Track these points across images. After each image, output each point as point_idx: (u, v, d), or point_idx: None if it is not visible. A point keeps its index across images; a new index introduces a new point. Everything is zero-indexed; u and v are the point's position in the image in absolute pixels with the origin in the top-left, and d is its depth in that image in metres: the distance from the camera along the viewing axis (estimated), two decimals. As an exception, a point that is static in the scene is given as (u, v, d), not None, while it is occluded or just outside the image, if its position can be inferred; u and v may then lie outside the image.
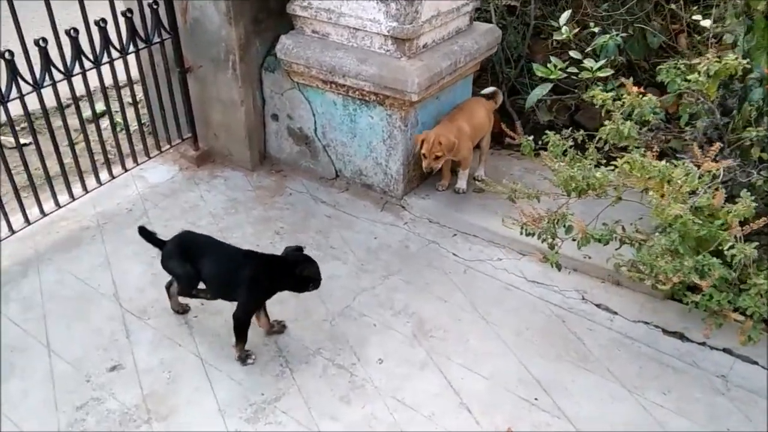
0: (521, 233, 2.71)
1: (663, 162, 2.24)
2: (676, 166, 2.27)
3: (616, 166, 2.55)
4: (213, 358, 2.57)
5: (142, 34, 3.32)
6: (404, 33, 3.11)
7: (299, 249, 2.65)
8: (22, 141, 3.13)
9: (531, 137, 2.94)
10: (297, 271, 2.51)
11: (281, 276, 2.54)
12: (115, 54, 3.22)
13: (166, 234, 2.72)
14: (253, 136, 3.72)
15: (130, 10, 3.21)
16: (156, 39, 3.39)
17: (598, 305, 2.89)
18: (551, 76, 3.35)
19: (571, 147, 2.83)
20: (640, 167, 2.30)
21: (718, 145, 2.17)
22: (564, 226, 2.69)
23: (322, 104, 3.57)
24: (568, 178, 2.56)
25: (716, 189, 2.24)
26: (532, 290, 2.98)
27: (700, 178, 2.13)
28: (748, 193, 2.30)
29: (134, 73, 3.47)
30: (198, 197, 3.53)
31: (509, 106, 4.22)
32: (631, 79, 3.52)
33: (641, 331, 2.76)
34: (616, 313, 2.85)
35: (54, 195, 3.20)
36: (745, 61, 2.37)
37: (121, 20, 3.20)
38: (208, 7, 3.37)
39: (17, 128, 3.11)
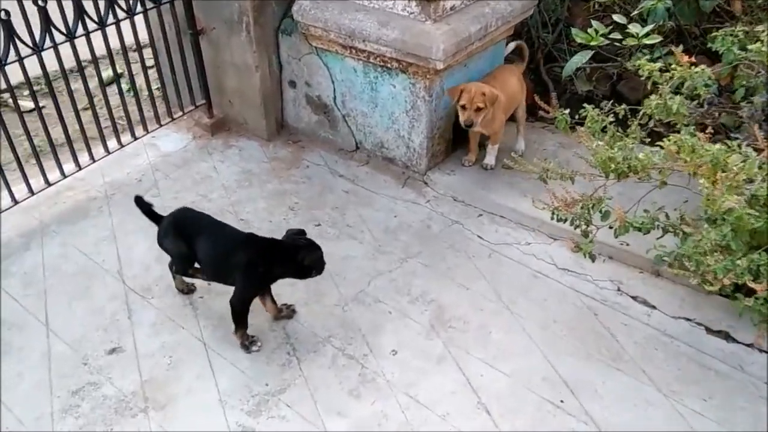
0: (552, 218, 2.47)
1: (717, 145, 1.97)
2: (731, 150, 1.99)
3: (661, 147, 2.27)
4: (217, 344, 2.42)
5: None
6: (430, -7, 2.84)
7: (301, 232, 2.47)
8: (26, 107, 2.99)
9: (567, 110, 2.66)
10: (299, 258, 2.33)
11: (281, 263, 2.36)
12: (121, 14, 3.02)
13: (174, 205, 2.55)
14: (269, 103, 3.51)
15: (136, -31, 3.00)
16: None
17: (634, 298, 2.65)
18: (592, 43, 3.03)
19: (611, 123, 2.55)
20: (689, 150, 2.02)
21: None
22: (600, 211, 2.44)
23: (341, 71, 3.33)
24: (606, 159, 2.29)
25: (778, 177, 1.96)
26: (562, 279, 2.75)
27: (760, 167, 1.86)
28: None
29: (144, 36, 3.27)
30: (211, 168, 3.36)
31: (545, 75, 3.92)
32: (681, 47, 3.24)
33: (682, 329, 2.52)
34: (654, 307, 2.61)
35: (59, 164, 3.06)
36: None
37: (128, -22, 3.01)
38: (220, -37, 3.14)
39: (23, 94, 2.96)
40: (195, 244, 2.38)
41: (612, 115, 2.58)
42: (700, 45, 3.73)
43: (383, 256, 2.86)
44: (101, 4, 2.92)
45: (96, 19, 2.92)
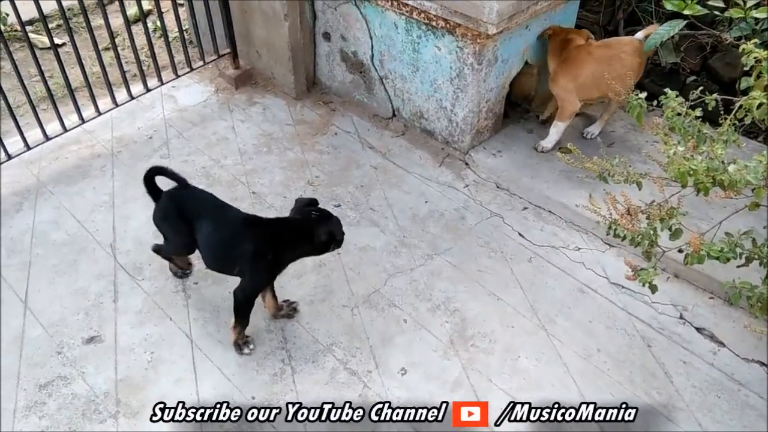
0: (608, 233, 2.02)
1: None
2: None
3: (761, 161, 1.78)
4: (204, 342, 2.15)
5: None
6: (488, -61, 2.33)
7: (312, 202, 2.14)
8: (44, 43, 2.69)
9: (644, 94, 2.16)
10: (315, 236, 2.01)
11: (293, 246, 2.04)
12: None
13: (183, 170, 2.23)
14: (298, 58, 3.12)
15: None
16: (187, -69, 2.79)
17: (699, 330, 2.21)
18: (685, 12, 2.46)
19: (697, 118, 2.05)
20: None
21: None
22: (670, 228, 1.98)
23: (381, 25, 2.88)
24: (686, 171, 1.82)
25: None
26: (614, 297, 2.32)
27: None
28: None
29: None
30: (229, 128, 3.03)
31: (623, 41, 3.34)
32: (801, 22, 2.62)
33: (753, 375, 2.08)
34: (722, 344, 2.16)
35: (59, 116, 2.79)
36: None
37: None
38: None
39: (33, 30, 2.66)
40: (195, 228, 2.08)
41: (699, 108, 2.07)
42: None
43: (406, 249, 2.49)
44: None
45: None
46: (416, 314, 2.25)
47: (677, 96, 2.07)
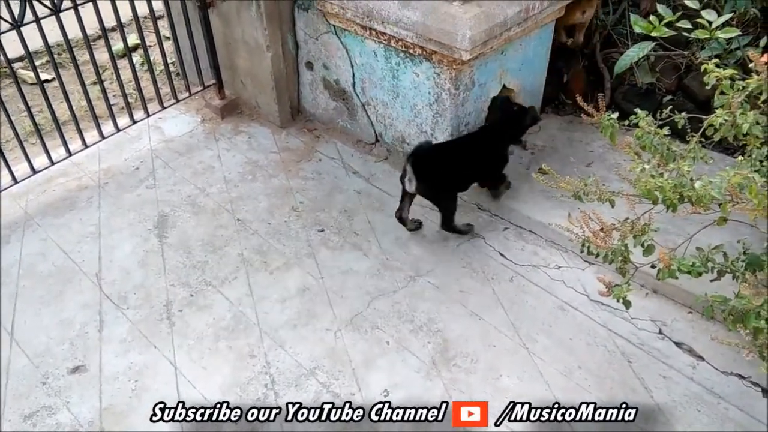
0: (582, 251, 2.06)
1: (798, 191, 1.52)
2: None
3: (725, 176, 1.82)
4: (189, 369, 2.17)
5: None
6: (459, -30, 2.41)
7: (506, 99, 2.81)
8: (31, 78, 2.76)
9: (615, 114, 2.21)
10: (527, 122, 2.73)
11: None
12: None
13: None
14: (282, 87, 3.18)
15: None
16: (170, -32, 2.87)
17: (678, 344, 2.24)
18: (653, 33, 2.53)
19: (666, 136, 2.10)
20: (755, 192, 1.58)
21: None
22: (642, 244, 2.02)
23: (361, 54, 2.96)
24: (653, 188, 1.86)
25: None
26: (594, 314, 2.35)
27: None
28: None
29: (157, 7, 2.99)
30: (215, 157, 3.08)
31: (601, 62, 3.42)
32: (763, 42, 2.69)
33: (732, 388, 2.10)
34: (701, 357, 2.19)
35: (46, 149, 2.84)
36: None
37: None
38: (228, -71, 2.79)
39: (22, 67, 2.73)
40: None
41: (668, 126, 2.13)
42: (794, 33, 3.16)
43: (389, 272, 2.52)
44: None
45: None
46: (399, 336, 2.28)
47: (647, 115, 2.14)
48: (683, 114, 2.16)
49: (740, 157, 2.01)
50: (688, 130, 2.10)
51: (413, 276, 2.51)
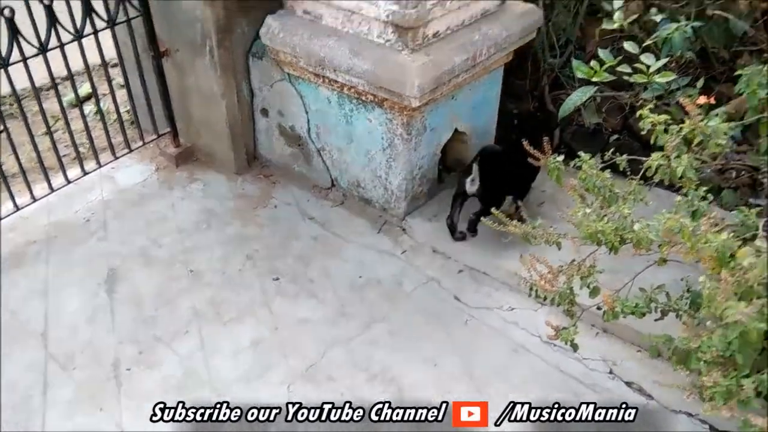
0: (530, 295, 2.08)
1: (723, 235, 1.56)
2: (742, 240, 1.59)
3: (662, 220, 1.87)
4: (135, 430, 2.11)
5: (104, 10, 2.82)
6: (406, 19, 2.46)
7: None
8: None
9: (561, 157, 2.27)
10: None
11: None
12: (68, 37, 2.73)
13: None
14: (237, 134, 3.19)
15: (82, -15, 2.69)
16: (122, 18, 2.87)
17: (628, 384, 2.26)
18: (594, 78, 2.63)
19: (608, 178, 2.15)
20: (688, 236, 1.62)
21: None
22: (588, 286, 2.05)
23: (315, 100, 2.99)
24: (595, 232, 1.90)
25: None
26: (546, 355, 2.37)
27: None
28: None
29: (110, 54, 2.99)
30: (168, 206, 3.05)
31: (549, 104, 3.52)
32: (700, 83, 2.81)
33: (682, 426, 2.12)
34: (651, 396, 2.21)
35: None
36: None
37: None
38: (179, -19, 2.82)
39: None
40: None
41: (609, 169, 2.19)
42: (730, 72, 3.29)
43: (345, 320, 2.51)
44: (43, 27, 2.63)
45: (36, 43, 2.62)
46: (353, 385, 2.25)
47: (591, 157, 2.19)
48: (624, 156, 2.23)
49: (678, 198, 2.08)
50: (628, 173, 2.16)
51: (369, 323, 2.49)
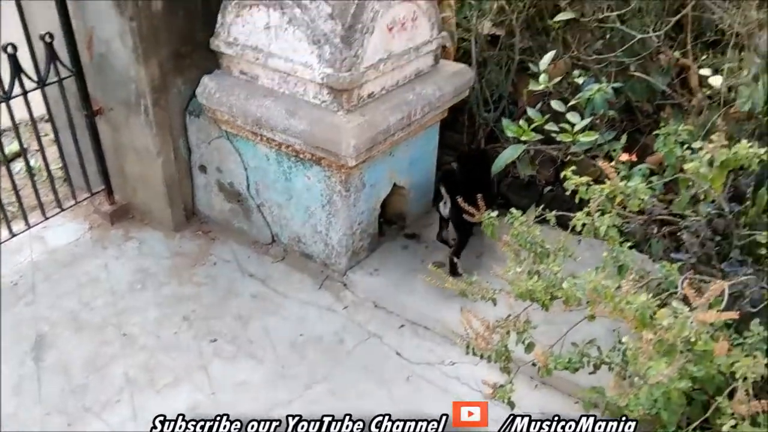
0: (467, 353, 2.11)
1: (642, 297, 1.64)
2: (661, 301, 1.67)
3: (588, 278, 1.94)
4: None
5: (35, 71, 2.78)
6: (341, 82, 2.52)
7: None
8: None
9: (495, 213, 2.33)
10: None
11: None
12: None
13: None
14: (174, 191, 3.15)
15: (12, 45, 2.64)
16: (53, 78, 2.83)
17: (568, 436, 2.29)
18: (523, 138, 2.74)
19: (538, 237, 2.23)
20: (611, 297, 1.69)
21: (718, 287, 1.57)
22: (523, 342, 2.10)
23: (253, 157, 2.99)
24: (525, 290, 1.96)
25: (717, 335, 1.63)
26: (488, 410, 2.37)
27: (692, 324, 1.53)
28: (762, 332, 1.70)
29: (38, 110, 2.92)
30: (101, 267, 2.96)
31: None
32: (623, 140, 2.96)
33: (622, 478, 2.15)
34: (590, 448, 2.24)
35: None
36: (761, 152, 1.76)
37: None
38: (113, 41, 2.80)
39: None
40: None
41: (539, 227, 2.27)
42: (654, 124, 3.49)
43: (284, 381, 2.47)
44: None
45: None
46: (294, 450, 2.21)
47: (523, 214, 2.26)
48: (553, 212, 2.31)
49: (605, 254, 2.17)
50: (558, 226, 2.25)
51: (309, 383, 2.46)
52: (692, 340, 1.52)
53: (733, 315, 1.48)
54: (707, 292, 1.53)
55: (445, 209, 2.88)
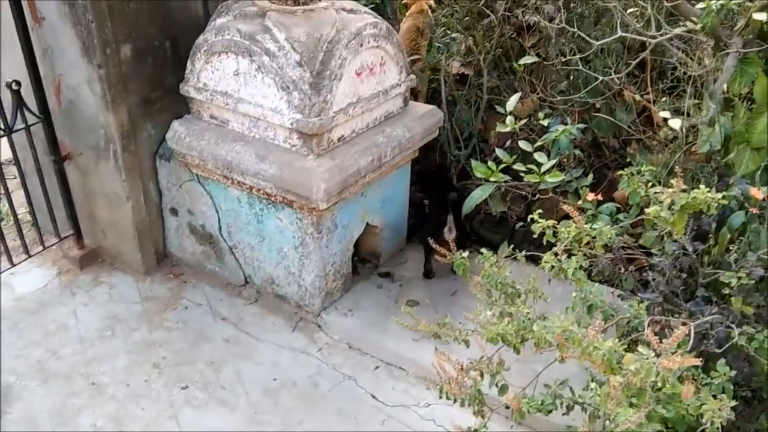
0: (440, 397, 2.11)
1: (608, 342, 1.66)
2: (630, 341, 1.70)
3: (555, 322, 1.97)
4: None
5: (2, 118, 2.75)
6: (310, 127, 2.55)
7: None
8: None
9: (466, 254, 2.35)
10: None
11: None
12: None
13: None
14: (144, 235, 3.12)
15: (-24, 94, 2.63)
16: (20, 125, 2.81)
17: (544, 478, 2.29)
18: (491, 179, 2.78)
19: (508, 278, 2.25)
20: (578, 342, 1.71)
21: (683, 330, 1.60)
22: (497, 384, 2.10)
23: (225, 200, 2.99)
24: (495, 336, 1.97)
25: (685, 378, 1.66)
26: (463, 453, 2.37)
27: (658, 369, 1.55)
28: (728, 372, 1.74)
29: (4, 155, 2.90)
30: (70, 313, 2.91)
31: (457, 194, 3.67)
32: (589, 179, 3.02)
33: None
34: (566, 490, 2.25)
35: None
36: (719, 196, 1.82)
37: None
38: (82, 88, 2.79)
39: None
40: None
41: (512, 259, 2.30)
42: (620, 158, 3.57)
43: (257, 428, 2.43)
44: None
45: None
46: (267, 502, 2.17)
47: (494, 254, 2.29)
48: (524, 252, 2.35)
49: (574, 294, 2.21)
50: (527, 263, 2.28)
51: (283, 430, 2.43)
52: (659, 385, 1.55)
53: (696, 362, 1.51)
54: (673, 335, 1.56)
55: (450, 235, 2.94)
